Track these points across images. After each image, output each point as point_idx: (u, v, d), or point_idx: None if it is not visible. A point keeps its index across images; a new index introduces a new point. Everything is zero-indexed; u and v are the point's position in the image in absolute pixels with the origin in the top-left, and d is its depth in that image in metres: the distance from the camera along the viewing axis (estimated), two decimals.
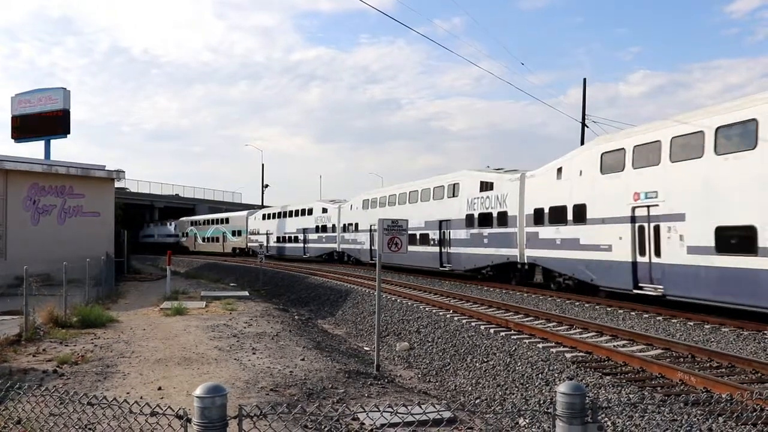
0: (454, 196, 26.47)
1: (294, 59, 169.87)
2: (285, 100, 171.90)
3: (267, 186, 67.09)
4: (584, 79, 31.88)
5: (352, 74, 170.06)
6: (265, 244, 51.93)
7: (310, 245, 44.87)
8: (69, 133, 33.29)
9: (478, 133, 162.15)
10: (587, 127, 30.61)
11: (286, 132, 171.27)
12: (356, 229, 36.67)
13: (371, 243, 33.42)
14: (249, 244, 56.05)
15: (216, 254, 61.04)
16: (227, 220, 61.79)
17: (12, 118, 34.29)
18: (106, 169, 27.61)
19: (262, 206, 63.35)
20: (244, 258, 52.98)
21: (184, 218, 73.79)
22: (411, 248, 26.03)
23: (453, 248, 26.24)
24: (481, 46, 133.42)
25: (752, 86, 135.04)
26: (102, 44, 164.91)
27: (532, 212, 20.54)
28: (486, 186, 24.13)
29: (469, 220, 24.98)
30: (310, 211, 45.02)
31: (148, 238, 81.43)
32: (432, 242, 27.90)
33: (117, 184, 29.50)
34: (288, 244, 48.87)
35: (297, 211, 47.60)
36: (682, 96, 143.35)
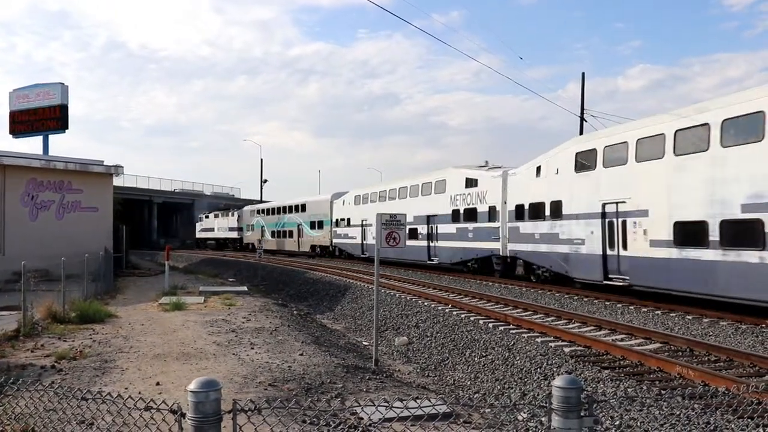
0: None
1: (292, 54, 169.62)
2: (283, 95, 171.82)
3: (266, 181, 66.65)
4: (582, 74, 31.68)
5: (351, 69, 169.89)
6: (359, 240, 35.70)
7: (443, 244, 27.04)
8: (67, 128, 33.16)
9: (478, 127, 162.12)
10: (586, 121, 30.59)
11: (285, 127, 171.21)
12: (555, 214, 19.13)
13: (606, 242, 17.06)
14: (335, 241, 39.90)
15: (290, 254, 46.51)
16: (303, 207, 45.77)
17: (10, 113, 34.19)
18: (104, 164, 27.56)
19: (261, 201, 62.82)
20: (318, 260, 38.43)
21: (247, 207, 59.87)
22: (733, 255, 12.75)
23: None
24: (480, 40, 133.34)
25: (752, 80, 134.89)
26: (99, 39, 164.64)
27: None
28: None
29: None
30: (442, 186, 27.37)
31: (206, 233, 67.12)
32: None
33: (117, 181, 29.45)
34: None
35: (416, 188, 30.01)
36: (681, 90, 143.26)
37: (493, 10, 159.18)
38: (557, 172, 19.44)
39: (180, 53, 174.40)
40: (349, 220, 37.73)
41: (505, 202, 22.58)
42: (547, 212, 19.80)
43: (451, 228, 26.37)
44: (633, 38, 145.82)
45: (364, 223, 34.82)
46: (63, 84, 33.38)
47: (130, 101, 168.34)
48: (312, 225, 44.05)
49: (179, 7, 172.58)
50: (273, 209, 52.03)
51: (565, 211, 18.89)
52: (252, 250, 51.98)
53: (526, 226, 21.13)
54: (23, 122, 33.67)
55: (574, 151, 18.73)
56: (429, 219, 28.20)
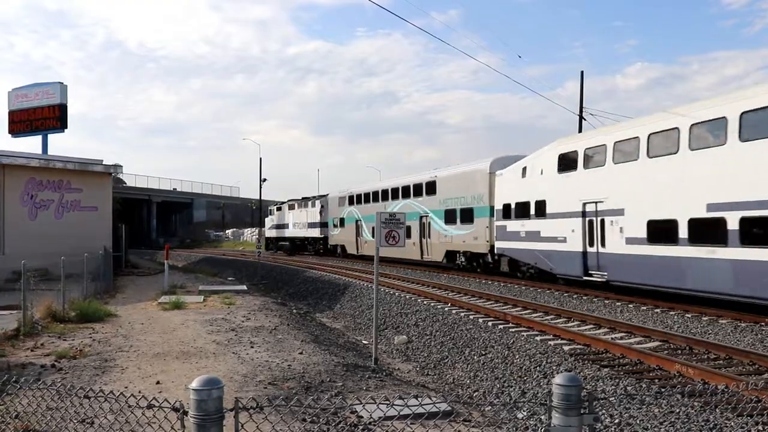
0: None
1: (291, 52, 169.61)
2: (281, 93, 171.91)
3: (265, 180, 66.12)
4: (581, 72, 31.44)
5: (349, 67, 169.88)
6: (576, 245, 17.98)
7: None
8: (66, 127, 33.15)
9: (476, 125, 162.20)
10: (584, 119, 30.57)
11: (283, 125, 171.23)
12: None
13: None
14: (502, 244, 22.17)
15: (406, 264, 31.29)
16: (430, 188, 28.27)
17: (9, 112, 34.18)
18: (103, 163, 27.54)
19: (260, 200, 62.50)
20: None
21: (334, 193, 41.45)
22: None
23: None
24: (479, 38, 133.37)
25: (749, 78, 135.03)
26: (97, 37, 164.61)
27: None
28: None
29: None
30: None
31: (278, 230, 50.99)
32: None
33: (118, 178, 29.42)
34: None
35: None
36: (679, 89, 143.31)
37: (492, 9, 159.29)
38: None
39: (178, 52, 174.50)
40: (539, 205, 19.86)
41: None
42: None
43: None
44: (631, 36, 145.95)
45: (590, 209, 17.40)
46: (62, 83, 33.37)
47: (128, 100, 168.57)
48: (448, 216, 26.49)
49: (177, 5, 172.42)
50: (374, 193, 34.71)
51: None
52: (342, 256, 38.89)
53: None
54: (22, 122, 33.66)
55: None
56: None
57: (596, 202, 17.12)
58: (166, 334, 11.61)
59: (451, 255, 26.59)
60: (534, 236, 20.06)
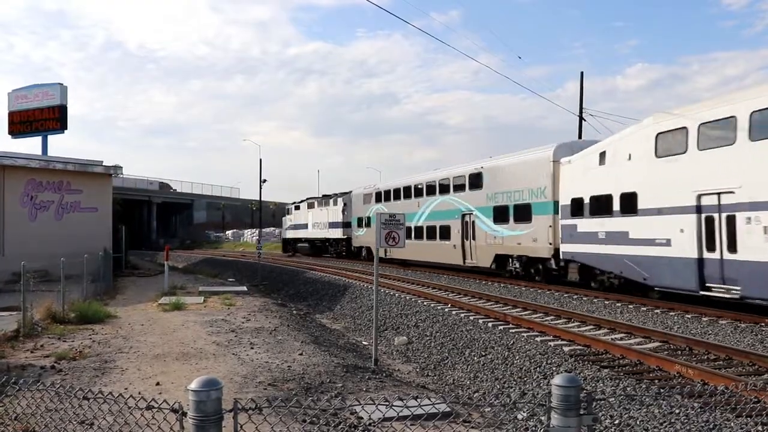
0: None
1: (291, 53, 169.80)
2: (282, 95, 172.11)
3: (265, 181, 65.95)
4: (581, 73, 31.37)
5: (349, 68, 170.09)
6: (688, 250, 13.82)
7: None
8: (66, 128, 33.14)
9: (476, 126, 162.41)
10: (584, 120, 30.60)
11: (283, 126, 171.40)
12: None
13: None
14: (570, 247, 18.25)
15: (443, 269, 27.10)
16: (475, 181, 24.18)
17: (9, 113, 34.19)
18: (103, 164, 27.55)
19: (261, 201, 62.44)
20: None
21: (357, 190, 37.38)
22: None
23: None
24: (479, 39, 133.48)
25: (749, 79, 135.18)
26: (97, 38, 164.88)
27: None
28: None
29: None
30: None
31: (296, 231, 47.16)
32: None
33: (116, 182, 29.41)
34: None
35: None
36: (679, 89, 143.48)
37: (492, 9, 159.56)
38: None
39: (178, 53, 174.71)
40: (627, 198, 15.88)
41: None
42: None
43: None
44: (631, 37, 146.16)
45: (709, 202, 13.51)
46: (62, 84, 33.39)
47: (128, 101, 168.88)
48: (498, 214, 22.47)
49: (177, 6, 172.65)
50: (406, 189, 30.56)
51: None
52: (367, 259, 33.51)
53: None
54: (22, 123, 33.68)
55: None
56: None
57: (720, 193, 13.08)
58: (166, 335, 11.62)
59: (501, 260, 22.60)
60: (619, 238, 16.10)
